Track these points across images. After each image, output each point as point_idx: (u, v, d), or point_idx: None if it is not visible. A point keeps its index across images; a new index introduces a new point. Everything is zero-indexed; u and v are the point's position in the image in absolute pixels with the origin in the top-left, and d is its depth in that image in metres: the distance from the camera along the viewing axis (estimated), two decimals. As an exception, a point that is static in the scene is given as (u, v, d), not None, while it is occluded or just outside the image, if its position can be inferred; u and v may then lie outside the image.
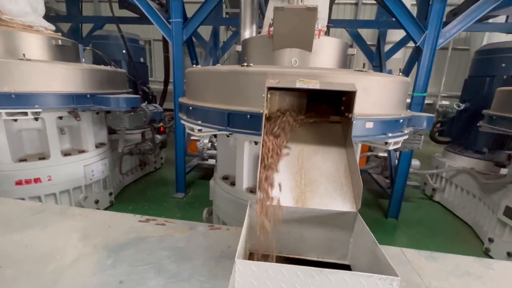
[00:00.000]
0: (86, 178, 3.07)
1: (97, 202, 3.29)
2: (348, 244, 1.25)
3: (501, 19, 4.74)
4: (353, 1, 10.14)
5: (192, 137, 4.61)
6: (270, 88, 1.41)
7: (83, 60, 3.12)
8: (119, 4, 5.10)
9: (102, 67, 2.97)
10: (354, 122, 1.31)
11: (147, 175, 4.96)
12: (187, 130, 2.01)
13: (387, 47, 5.22)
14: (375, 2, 9.97)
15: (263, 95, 1.35)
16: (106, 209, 3.54)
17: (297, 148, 1.46)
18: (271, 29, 2.02)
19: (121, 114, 2.94)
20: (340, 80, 1.44)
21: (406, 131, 1.93)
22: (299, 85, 1.31)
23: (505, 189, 2.88)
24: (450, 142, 4.48)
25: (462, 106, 4.05)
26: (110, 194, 3.59)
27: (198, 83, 1.93)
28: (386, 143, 1.74)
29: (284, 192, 1.25)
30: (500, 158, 3.71)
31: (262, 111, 1.40)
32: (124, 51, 4.37)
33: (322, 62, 2.05)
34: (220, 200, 2.41)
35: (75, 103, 2.62)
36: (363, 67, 1.65)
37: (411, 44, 5.07)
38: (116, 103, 2.75)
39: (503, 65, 3.61)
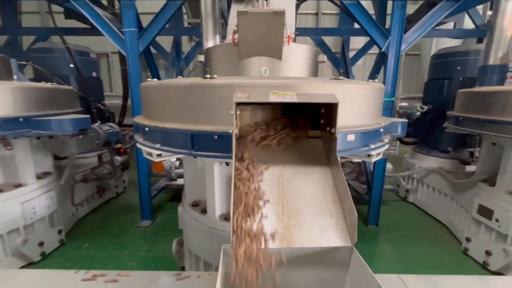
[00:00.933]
0: (25, 218, 2.55)
1: (41, 244, 2.76)
2: (345, 283, 1.05)
3: (450, 25, 5.11)
4: (314, 11, 10.50)
5: (157, 156, 4.20)
6: (239, 104, 1.19)
7: (16, 77, 2.64)
8: (64, 14, 4.60)
9: (41, 84, 2.53)
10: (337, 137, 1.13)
11: (108, 202, 4.42)
12: (145, 155, 1.71)
13: (350, 54, 5.35)
14: (334, 12, 10.45)
15: (231, 112, 1.12)
16: (55, 250, 3.00)
17: (276, 171, 1.25)
18: (236, 36, 1.83)
19: (66, 138, 2.51)
20: (317, 91, 1.27)
21: (386, 140, 1.83)
22: (273, 98, 1.10)
23: (476, 188, 2.95)
24: (416, 143, 4.63)
25: (425, 108, 4.20)
26: (60, 232, 3.06)
27: (155, 100, 1.65)
28: (369, 155, 1.60)
29: (265, 229, 1.02)
30: (463, 156, 3.87)
31: (231, 130, 1.17)
32: (72, 65, 3.89)
33: (293, 70, 1.90)
34: (190, 230, 2.11)
35: (3, 129, 2.16)
36: (339, 75, 1.50)
37: (372, 50, 5.25)
38: (58, 126, 2.33)
39: (458, 68, 3.81)
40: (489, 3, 5.08)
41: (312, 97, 1.16)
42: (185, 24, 5.36)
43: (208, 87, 1.35)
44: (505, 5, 2.75)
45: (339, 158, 1.48)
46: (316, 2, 10.06)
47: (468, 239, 2.93)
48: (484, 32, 4.36)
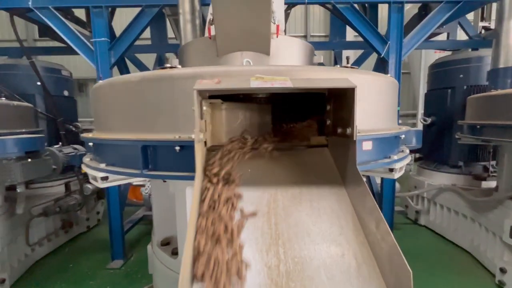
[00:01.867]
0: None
1: (-27, 300, 2.16)
2: None
3: (442, 37, 5.01)
4: (302, 34, 10.62)
5: (135, 182, 3.71)
6: (210, 97, 0.82)
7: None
8: (39, 32, 4.30)
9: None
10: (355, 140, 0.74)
11: (76, 239, 3.81)
12: (91, 180, 1.26)
13: (344, 68, 5.14)
14: (322, 34, 10.56)
15: (193, 108, 0.72)
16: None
17: (266, 196, 0.82)
18: (212, 27, 1.47)
19: (9, 163, 2.04)
20: (323, 81, 0.88)
21: (407, 150, 1.44)
22: (256, 84, 0.73)
23: (504, 207, 2.54)
24: (421, 159, 4.27)
25: (429, 120, 3.90)
26: (3, 281, 2.46)
27: (104, 104, 1.24)
28: (391, 170, 1.19)
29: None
30: (477, 171, 3.50)
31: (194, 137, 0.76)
32: (39, 83, 3.49)
33: (285, 68, 1.53)
34: (159, 277, 1.61)
35: None
36: (347, 61, 1.13)
37: (368, 62, 5.05)
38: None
39: (461, 76, 3.58)
40: (479, 14, 5.05)
41: (315, 82, 0.77)
42: (168, 41, 5.10)
43: (166, 80, 0.97)
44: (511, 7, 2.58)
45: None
46: (305, 25, 10.18)
47: (503, 270, 2.45)
48: (478, 42, 4.25)
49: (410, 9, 5.22)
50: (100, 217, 4.31)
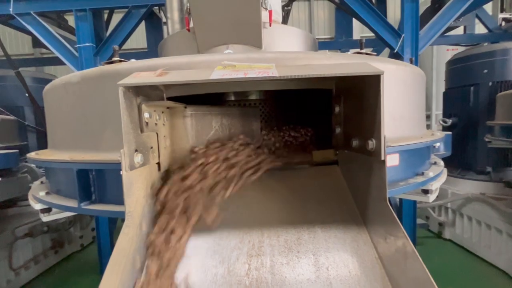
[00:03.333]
0: None
1: None
2: None
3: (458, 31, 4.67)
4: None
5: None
6: (171, 100, 0.67)
7: None
8: (32, 43, 4.18)
9: None
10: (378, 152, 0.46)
11: (68, 259, 3.55)
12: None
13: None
14: (328, 36, 10.30)
15: (123, 116, 0.44)
16: None
17: (246, 247, 0.54)
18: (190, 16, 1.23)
19: (-24, 182, 1.81)
20: (325, 68, 0.60)
21: (441, 164, 1.17)
22: (219, 75, 0.45)
23: (550, 222, 2.14)
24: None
25: (449, 121, 3.51)
26: (-23, 314, 2.21)
27: (48, 112, 1.00)
28: (426, 191, 0.93)
29: None
30: (509, 177, 3.09)
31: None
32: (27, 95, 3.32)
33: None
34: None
35: None
36: (361, 47, 0.85)
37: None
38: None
39: (485, 71, 3.20)
40: (498, 5, 4.69)
41: (315, 68, 0.50)
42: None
43: (111, 78, 0.74)
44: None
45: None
46: (309, 27, 9.92)
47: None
48: (499, 35, 3.90)
49: (421, 4, 4.91)
50: (95, 234, 4.07)
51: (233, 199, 0.66)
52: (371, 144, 0.53)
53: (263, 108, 1.14)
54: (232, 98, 1.13)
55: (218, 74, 0.49)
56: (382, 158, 0.50)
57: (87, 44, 2.63)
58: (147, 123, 0.56)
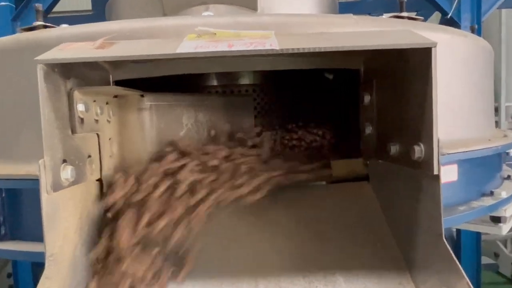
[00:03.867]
0: None
1: None
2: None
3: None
4: None
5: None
6: (122, 84, 0.71)
7: None
8: None
9: None
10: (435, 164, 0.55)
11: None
12: None
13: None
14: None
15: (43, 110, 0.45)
16: None
17: None
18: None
19: None
20: (354, 37, 0.63)
21: None
22: (187, 47, 0.49)
23: None
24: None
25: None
26: None
27: None
28: (496, 219, 1.01)
29: None
30: None
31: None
32: None
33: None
34: None
35: None
36: (402, 9, 0.88)
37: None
38: None
39: None
40: None
41: (339, 39, 0.52)
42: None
43: (27, 51, 0.74)
44: None
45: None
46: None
47: None
48: None
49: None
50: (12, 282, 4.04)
51: (218, 231, 0.67)
52: (418, 151, 0.52)
53: (258, 97, 1.15)
54: (213, 82, 1.13)
55: (189, 46, 0.48)
56: (435, 172, 0.50)
57: (1, 3, 2.63)
58: (82, 119, 0.54)
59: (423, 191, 0.56)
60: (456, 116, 0.90)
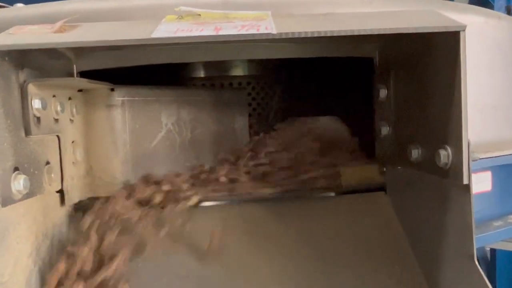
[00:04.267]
0: None
1: None
2: None
3: None
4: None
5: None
6: (83, 75, 0.75)
7: None
8: None
9: None
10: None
11: None
12: None
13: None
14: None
15: None
16: None
17: None
18: None
19: None
20: (365, 19, 0.64)
21: None
22: (165, 31, 0.54)
23: None
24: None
25: None
26: None
27: None
28: None
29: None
30: None
31: None
32: None
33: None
34: None
35: None
36: None
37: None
38: None
39: None
40: None
41: (347, 22, 0.54)
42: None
43: None
44: None
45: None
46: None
47: None
48: None
49: None
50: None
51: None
52: (444, 156, 0.53)
53: (254, 91, 1.18)
54: (200, 73, 1.16)
55: (167, 29, 0.49)
56: (465, 182, 0.50)
57: None
58: (38, 118, 0.54)
59: (451, 204, 0.57)
60: (489, 114, 0.92)
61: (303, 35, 0.47)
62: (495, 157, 0.87)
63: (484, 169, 0.87)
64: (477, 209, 0.89)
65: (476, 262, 0.52)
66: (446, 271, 0.60)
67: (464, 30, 0.48)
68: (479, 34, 0.89)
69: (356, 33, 0.48)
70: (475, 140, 0.87)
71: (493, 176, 0.89)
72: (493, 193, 0.90)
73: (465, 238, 0.53)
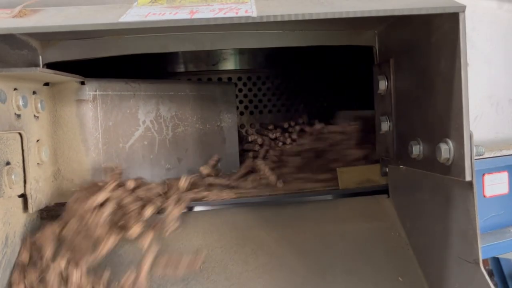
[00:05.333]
0: None
1: None
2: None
3: None
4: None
5: None
6: (50, 66, 0.75)
7: None
8: None
9: None
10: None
11: None
12: None
13: None
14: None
15: None
16: None
17: None
18: None
19: None
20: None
21: None
22: (135, 15, 0.58)
23: None
24: None
25: None
26: None
27: None
28: None
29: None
30: None
31: None
32: None
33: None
34: None
35: None
36: None
37: None
38: None
39: None
40: None
41: (337, 3, 0.53)
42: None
43: None
44: None
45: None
46: None
47: None
48: None
49: None
50: None
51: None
52: (445, 150, 0.54)
53: (246, 87, 1.20)
54: (186, 67, 1.16)
55: (137, 13, 0.50)
56: (468, 178, 0.51)
57: None
58: None
59: (454, 205, 0.58)
60: (505, 108, 0.93)
61: (286, 18, 0.48)
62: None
63: (499, 168, 0.87)
64: (493, 214, 0.89)
65: (482, 268, 0.53)
66: (450, 277, 0.62)
67: (463, 12, 0.49)
68: (492, 19, 0.91)
69: (344, 16, 0.49)
70: (489, 136, 0.88)
71: (510, 177, 0.90)
72: (510, 197, 0.90)
73: (470, 242, 0.54)
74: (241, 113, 1.18)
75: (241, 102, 1.16)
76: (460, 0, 0.86)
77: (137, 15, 0.49)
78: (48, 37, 0.67)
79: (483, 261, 1.92)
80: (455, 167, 0.54)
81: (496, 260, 3.04)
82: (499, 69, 0.94)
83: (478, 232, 0.53)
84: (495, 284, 3.45)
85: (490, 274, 3.51)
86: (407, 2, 0.52)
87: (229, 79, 1.17)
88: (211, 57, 1.13)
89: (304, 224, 0.82)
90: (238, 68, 1.18)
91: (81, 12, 0.56)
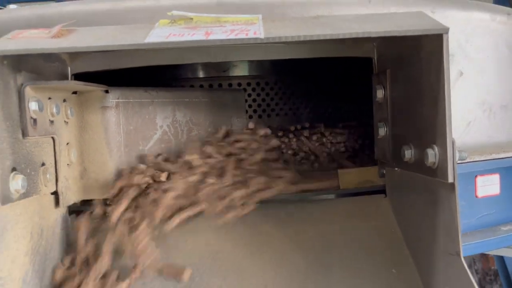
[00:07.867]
0: None
1: None
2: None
3: None
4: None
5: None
6: (78, 77, 0.79)
7: None
8: None
9: None
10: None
11: None
12: None
13: None
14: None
15: None
16: None
17: None
18: None
19: None
20: (352, 22, 0.70)
21: None
22: (157, 36, 0.61)
23: None
24: None
25: None
26: None
27: None
28: None
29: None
30: None
31: None
32: None
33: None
34: None
35: None
36: None
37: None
38: None
39: None
40: None
41: (335, 25, 0.59)
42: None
43: None
44: None
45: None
46: None
47: None
48: None
49: None
50: None
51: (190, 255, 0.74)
52: (432, 155, 0.58)
53: (255, 92, 1.22)
54: (198, 74, 1.21)
55: (160, 34, 0.55)
56: (450, 180, 0.55)
57: None
58: (35, 120, 0.60)
59: (439, 204, 0.61)
60: (498, 114, 0.94)
61: (289, 39, 0.53)
62: (503, 158, 0.89)
63: (491, 171, 0.89)
64: (484, 213, 0.92)
65: (462, 260, 0.57)
66: (438, 272, 0.65)
67: (447, 33, 0.53)
68: (485, 31, 0.92)
69: (341, 37, 0.54)
70: (482, 140, 0.91)
71: (501, 179, 0.91)
72: (501, 197, 0.92)
73: (452, 236, 0.58)
74: (250, 117, 1.21)
75: (250, 106, 1.19)
76: (455, 13, 0.89)
77: (159, 36, 0.53)
78: (76, 52, 0.71)
79: (490, 259, 2.02)
80: (440, 170, 0.58)
81: (501, 260, 3.02)
82: (491, 77, 0.95)
83: (459, 227, 0.56)
84: (500, 284, 3.44)
85: (495, 274, 3.49)
86: (398, 24, 0.56)
87: (239, 84, 1.19)
88: (222, 64, 1.16)
89: (306, 221, 0.84)
90: (247, 74, 1.21)
91: (109, 32, 0.60)
